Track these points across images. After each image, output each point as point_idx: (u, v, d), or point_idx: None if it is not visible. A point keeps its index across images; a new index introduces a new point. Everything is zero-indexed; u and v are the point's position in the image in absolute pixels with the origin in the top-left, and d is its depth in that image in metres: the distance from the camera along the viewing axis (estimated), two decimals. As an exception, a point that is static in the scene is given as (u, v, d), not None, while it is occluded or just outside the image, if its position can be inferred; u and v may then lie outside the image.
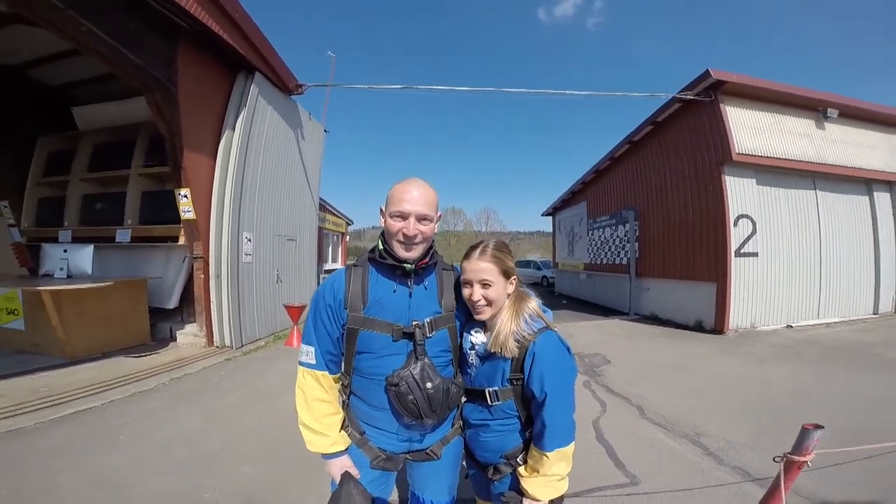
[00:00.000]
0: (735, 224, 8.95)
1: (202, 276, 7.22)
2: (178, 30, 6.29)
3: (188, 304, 7.71)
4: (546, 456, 1.39)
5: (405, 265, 1.49)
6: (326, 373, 1.54)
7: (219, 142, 7.45)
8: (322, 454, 1.52)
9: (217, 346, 7.28)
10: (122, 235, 7.85)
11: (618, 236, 13.54)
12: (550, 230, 22.22)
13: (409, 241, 1.47)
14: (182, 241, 7.43)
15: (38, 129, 8.95)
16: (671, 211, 10.78)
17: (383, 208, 1.54)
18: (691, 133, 9.95)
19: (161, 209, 7.72)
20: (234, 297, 7.40)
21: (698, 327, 9.47)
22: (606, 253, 14.38)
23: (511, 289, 1.54)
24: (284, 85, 8.74)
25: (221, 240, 7.30)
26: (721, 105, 8.99)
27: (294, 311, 7.85)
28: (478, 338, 1.58)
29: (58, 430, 3.93)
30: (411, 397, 1.42)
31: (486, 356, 1.53)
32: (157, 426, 4.10)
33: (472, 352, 1.59)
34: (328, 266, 16.85)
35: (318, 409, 1.52)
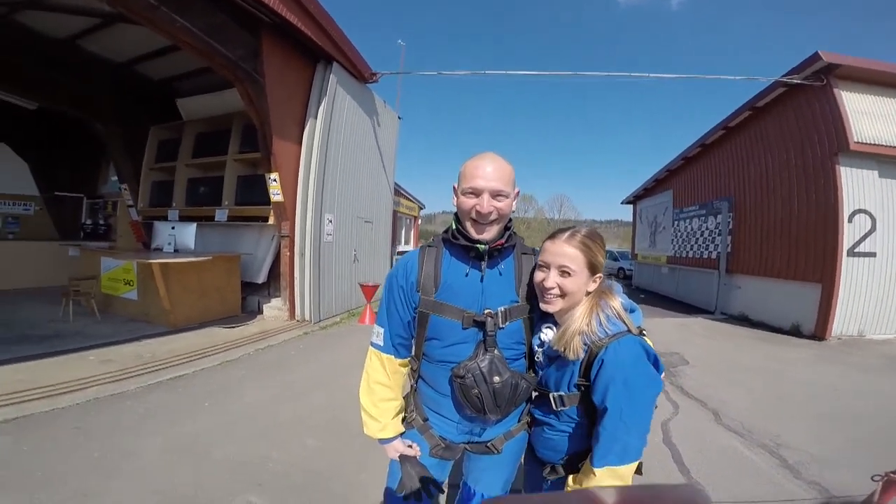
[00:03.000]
0: (850, 220, 7.93)
1: (288, 253, 7.77)
2: (260, 23, 6.67)
3: (275, 280, 8.34)
4: (593, 471, 1.23)
5: (478, 246, 1.38)
6: (392, 356, 1.51)
7: (303, 129, 7.91)
8: (377, 439, 1.52)
9: (297, 321, 7.83)
10: (220, 215, 8.62)
11: (707, 228, 12.54)
12: (629, 219, 21.13)
13: (482, 220, 1.35)
14: (271, 220, 8.01)
15: (150, 119, 9.91)
16: (772, 203, 9.76)
17: (456, 186, 1.43)
18: (798, 120, 8.92)
19: (253, 192, 8.33)
20: (315, 274, 7.90)
21: (795, 331, 8.56)
22: (693, 246, 13.38)
23: (593, 287, 1.37)
24: (360, 74, 9.01)
25: (306, 220, 7.81)
26: (835, 90, 7.97)
27: (368, 290, 8.23)
28: (548, 335, 1.43)
29: (153, 395, 4.29)
30: (476, 391, 1.33)
31: (554, 356, 1.39)
32: (237, 395, 4.44)
33: (540, 350, 1.46)
34: (401, 248, 17.35)
35: (377, 392, 1.50)
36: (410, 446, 1.52)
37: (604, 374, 1.25)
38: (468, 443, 1.53)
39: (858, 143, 7.78)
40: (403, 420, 1.57)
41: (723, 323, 9.99)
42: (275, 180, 7.37)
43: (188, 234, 7.70)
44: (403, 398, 1.60)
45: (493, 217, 1.36)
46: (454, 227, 1.45)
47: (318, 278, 8.02)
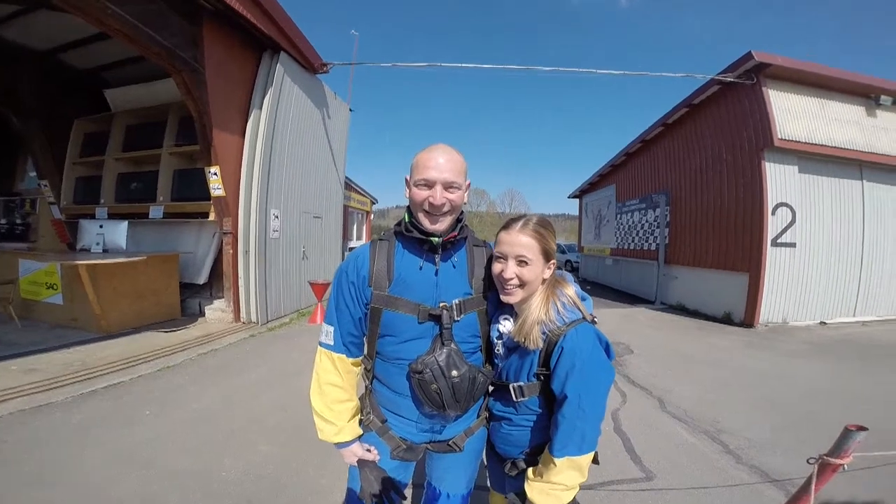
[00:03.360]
0: (773, 213, 8.56)
1: (231, 251, 7.39)
2: (201, 9, 6.29)
3: (217, 280, 7.94)
4: (553, 462, 1.24)
5: (432, 238, 1.37)
6: (344, 356, 1.45)
7: (247, 120, 7.53)
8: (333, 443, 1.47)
9: (243, 322, 7.48)
10: (155, 212, 8.08)
11: (647, 221, 13.18)
12: (575, 213, 21.82)
13: (435, 211, 1.34)
14: (212, 217, 7.61)
15: (74, 111, 9.18)
16: (705, 196, 10.37)
17: (408, 178, 1.41)
18: (730, 117, 9.49)
19: (192, 186, 7.89)
20: (260, 273, 7.58)
21: (727, 319, 9.18)
22: (634, 238, 14.03)
23: (548, 273, 1.38)
24: (310, 64, 8.72)
25: (250, 216, 7.45)
26: (764, 88, 8.51)
27: (318, 288, 7.99)
28: (506, 326, 1.43)
29: (87, 405, 4.05)
30: (434, 386, 1.32)
31: (513, 347, 1.39)
32: (181, 401, 4.22)
33: (500, 341, 1.45)
34: (353, 244, 17.01)
35: (330, 393, 1.44)
36: (369, 450, 1.48)
37: (563, 361, 1.26)
38: (429, 442, 1.50)
39: (782, 139, 8.37)
40: (360, 422, 1.51)
41: (663, 312, 10.55)
42: (215, 174, 6.97)
43: (119, 232, 7.13)
44: (359, 399, 1.55)
45: (445, 209, 1.35)
46: (407, 219, 1.43)
47: (264, 277, 7.70)
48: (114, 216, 8.22)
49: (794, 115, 8.61)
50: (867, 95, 9.02)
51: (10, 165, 10.94)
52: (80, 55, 8.67)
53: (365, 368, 1.52)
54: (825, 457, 1.63)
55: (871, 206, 9.28)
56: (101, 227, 7.18)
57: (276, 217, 8.05)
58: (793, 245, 8.67)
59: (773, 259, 8.57)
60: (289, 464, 3.14)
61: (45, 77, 8.79)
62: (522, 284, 1.34)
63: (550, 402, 1.35)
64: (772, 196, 8.56)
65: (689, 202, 11.06)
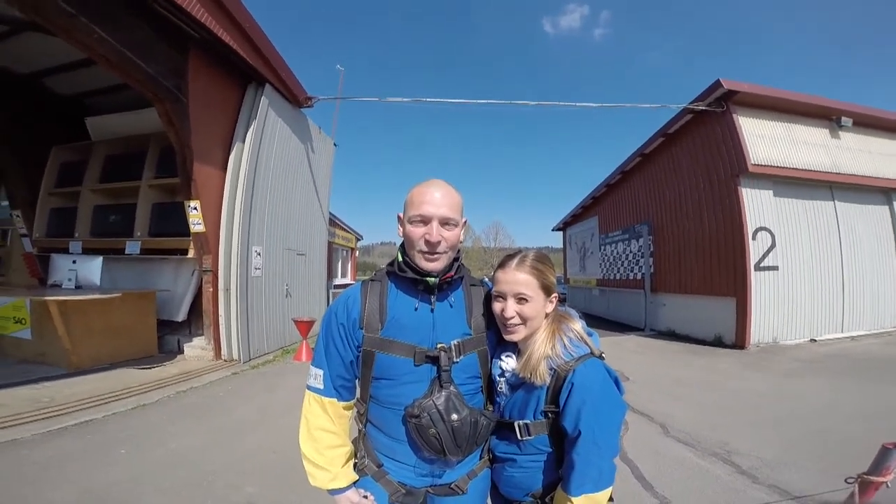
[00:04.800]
0: (753, 237, 8.73)
1: (211, 289, 7.14)
2: (188, 39, 6.33)
3: (197, 317, 7.65)
4: (571, 501, 1.18)
5: (428, 279, 1.30)
6: (335, 400, 1.37)
7: (229, 154, 7.45)
8: (327, 490, 1.37)
9: (224, 360, 7.16)
10: (132, 247, 7.82)
11: (631, 251, 13.33)
12: (560, 245, 22.06)
13: (432, 249, 1.28)
14: (191, 253, 7.38)
15: (52, 138, 8.97)
16: (686, 224, 10.58)
17: (401, 215, 1.37)
18: (704, 145, 9.82)
19: (171, 221, 7.69)
20: (242, 310, 7.30)
21: (718, 342, 9.18)
22: (620, 268, 14.14)
23: (550, 308, 1.35)
24: (294, 97, 8.77)
25: (231, 253, 7.24)
26: (734, 115, 8.88)
27: (303, 326, 7.74)
28: (509, 363, 1.38)
29: (55, 443, 3.82)
30: (433, 430, 1.24)
31: (518, 384, 1.34)
32: (159, 441, 3.97)
33: (502, 379, 1.40)
34: (338, 281, 16.75)
35: (321, 439, 1.36)
36: (366, 496, 1.37)
37: (574, 397, 1.21)
38: (430, 486, 1.40)
39: (755, 164, 8.66)
40: (355, 466, 1.42)
41: (653, 339, 10.52)
42: (195, 209, 6.81)
43: (92, 269, 6.84)
44: (352, 442, 1.46)
45: (442, 247, 1.29)
46: (400, 258, 1.37)
47: (245, 315, 7.43)
48: (88, 251, 7.94)
49: (764, 139, 8.96)
50: (829, 118, 9.49)
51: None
52: (62, 80, 8.58)
53: (358, 412, 1.45)
54: (865, 475, 1.58)
55: (846, 225, 9.60)
56: (74, 262, 6.91)
57: (259, 254, 7.86)
58: (775, 268, 8.82)
59: (758, 282, 8.68)
60: None
61: (24, 101, 8.62)
62: (524, 321, 1.30)
63: (558, 441, 1.29)
64: (751, 221, 8.78)
65: (672, 230, 11.26)
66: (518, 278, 1.29)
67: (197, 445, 3.90)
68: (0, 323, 6.37)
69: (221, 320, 7.17)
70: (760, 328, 8.65)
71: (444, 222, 1.29)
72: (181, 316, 7.67)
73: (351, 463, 1.41)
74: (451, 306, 1.38)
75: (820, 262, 9.31)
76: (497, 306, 1.33)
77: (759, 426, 4.36)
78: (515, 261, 1.33)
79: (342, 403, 1.39)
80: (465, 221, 1.41)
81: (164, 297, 7.58)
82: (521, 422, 1.30)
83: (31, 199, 8.90)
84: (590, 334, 1.37)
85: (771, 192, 9.00)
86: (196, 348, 7.39)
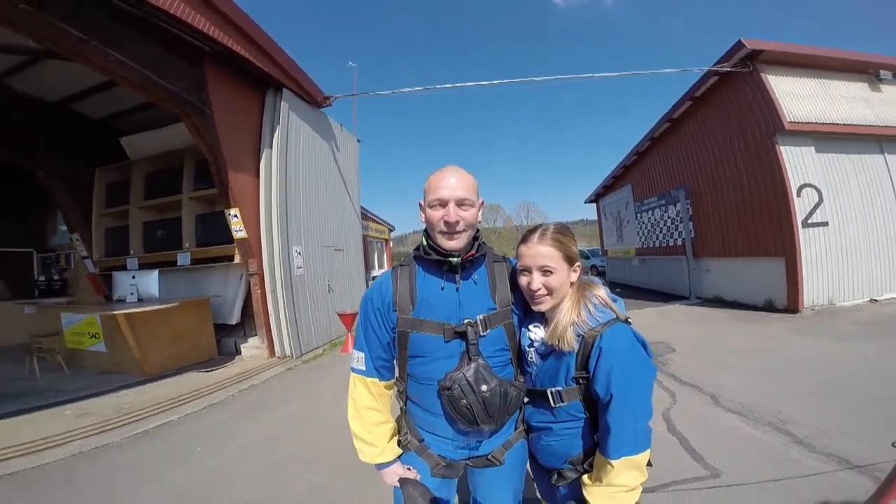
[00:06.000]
0: (798, 194, 8.34)
1: (259, 291, 7.49)
2: (201, 53, 6.50)
3: (249, 319, 8.03)
4: (611, 464, 1.23)
5: (451, 258, 1.40)
6: (377, 379, 1.49)
7: (259, 160, 7.71)
8: (374, 465, 1.49)
9: (279, 357, 7.53)
10: (183, 259, 8.26)
11: (669, 217, 12.94)
12: (593, 218, 21.59)
13: (451, 229, 1.37)
14: (237, 259, 7.76)
15: (93, 161, 9.45)
16: (725, 186, 10.19)
17: (422, 202, 1.45)
18: (734, 106, 9.42)
19: (214, 230, 8.07)
20: (290, 308, 7.62)
21: (769, 307, 8.87)
22: (658, 235, 13.76)
23: (574, 277, 1.39)
24: (313, 98, 8.89)
25: (273, 255, 7.54)
26: (762, 75, 8.49)
27: (347, 319, 8.00)
28: (537, 333, 1.44)
29: (141, 445, 4.17)
30: (465, 402, 1.32)
31: (547, 352, 1.39)
32: (228, 437, 4.28)
33: (532, 349, 1.46)
34: (375, 273, 17.08)
35: (367, 417, 1.48)
36: (409, 469, 1.49)
37: (604, 361, 1.25)
38: (468, 458, 1.50)
39: (792, 122, 8.25)
40: (399, 443, 1.53)
41: (699, 307, 10.24)
42: (235, 216, 7.11)
43: (151, 282, 7.32)
44: (395, 420, 1.57)
45: (460, 226, 1.38)
46: (424, 242, 1.47)
47: (293, 312, 7.75)
48: (144, 265, 8.47)
49: (798, 97, 8.54)
50: (866, 72, 8.94)
51: (41, 221, 11.38)
52: (90, 104, 8.96)
53: (398, 391, 1.56)
54: None
55: (900, 178, 8.96)
56: (133, 277, 7.39)
57: (299, 254, 8.14)
58: (825, 224, 8.41)
59: (807, 240, 8.31)
60: (337, 492, 3.11)
61: (60, 128, 9.03)
62: (550, 292, 1.36)
63: (591, 407, 1.34)
64: (793, 178, 8.39)
65: (710, 193, 10.88)
66: (541, 251, 1.34)
67: (261, 439, 4.18)
68: (77, 339, 6.93)
69: (272, 319, 7.53)
70: (814, 289, 8.29)
71: (461, 203, 1.38)
72: (235, 319, 8.07)
73: (395, 439, 1.53)
74: (475, 283, 1.46)
75: (875, 217, 8.81)
76: (523, 280, 1.39)
77: (816, 394, 4.24)
78: (537, 234, 1.38)
79: (383, 383, 1.51)
80: (482, 202, 1.50)
81: (217, 303, 7.99)
82: (553, 389, 1.36)
83: (86, 221, 9.48)
84: (615, 300, 1.42)
85: (812, 148, 8.55)
86: (252, 348, 7.80)
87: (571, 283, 1.39)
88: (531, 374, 1.47)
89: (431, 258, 1.43)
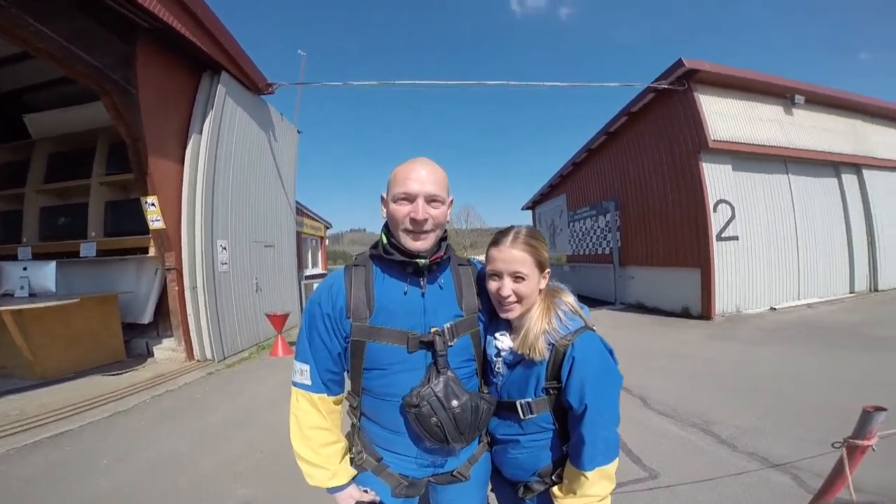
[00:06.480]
0: (714, 209, 9.04)
1: (176, 287, 6.84)
2: (136, 28, 5.92)
3: (164, 318, 7.33)
4: (585, 476, 1.19)
5: (418, 260, 1.25)
6: (325, 395, 1.31)
7: (186, 146, 7.09)
8: (326, 489, 1.32)
9: (198, 360, 6.92)
10: (88, 249, 7.41)
11: (599, 227, 13.61)
12: (529, 224, 22.24)
13: (417, 228, 1.23)
14: (152, 252, 7.07)
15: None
16: (651, 199, 10.85)
17: (384, 195, 1.30)
18: (667, 122, 10.03)
19: (128, 219, 7.37)
20: (211, 308, 7.05)
21: (685, 313, 9.55)
22: (589, 244, 14.43)
23: (543, 284, 1.33)
24: (254, 84, 8.41)
25: (195, 249, 6.95)
26: (695, 94, 9.08)
27: (276, 320, 7.56)
28: (504, 342, 1.35)
29: (34, 457, 3.66)
30: (435, 419, 1.19)
31: (515, 362, 1.32)
32: (141, 448, 3.82)
33: (499, 359, 1.36)
34: (309, 272, 16.38)
35: (315, 437, 1.30)
36: (366, 491, 1.33)
37: (577, 371, 1.20)
38: (432, 475, 1.36)
39: (715, 140, 8.92)
40: (351, 462, 1.37)
41: (624, 312, 10.84)
42: (153, 205, 6.47)
43: (46, 275, 6.39)
44: (345, 437, 1.41)
45: (428, 226, 1.24)
46: (385, 240, 1.31)
47: (216, 312, 7.17)
48: (39, 256, 7.50)
49: (723, 116, 9.23)
50: (784, 96, 9.84)
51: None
52: None
53: (350, 406, 1.39)
54: (851, 440, 1.64)
55: (799, 198, 10.06)
56: (24, 269, 6.44)
57: (225, 248, 7.57)
58: (735, 238, 9.18)
59: (721, 252, 9.03)
60: None
61: None
62: (520, 300, 1.28)
63: (560, 417, 1.29)
64: (712, 194, 9.07)
65: (637, 205, 11.54)
66: (514, 255, 1.26)
67: (182, 450, 3.77)
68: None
69: (190, 319, 6.90)
70: (724, 298, 9.03)
71: (431, 199, 1.24)
72: (147, 318, 7.34)
73: (347, 458, 1.36)
74: (440, 288, 1.33)
75: (777, 233, 9.76)
76: (493, 285, 1.30)
77: (732, 396, 4.55)
78: (510, 237, 1.29)
79: (332, 398, 1.33)
80: (452, 200, 1.36)
81: (126, 299, 7.22)
82: (522, 401, 1.28)
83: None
84: (581, 307, 1.37)
85: (730, 166, 9.31)
86: (166, 350, 7.10)
87: (540, 290, 1.33)
88: (496, 385, 1.38)
89: (394, 258, 1.27)
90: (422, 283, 1.29)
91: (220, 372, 6.51)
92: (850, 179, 10.68)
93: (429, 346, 1.24)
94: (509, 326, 1.37)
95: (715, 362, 5.88)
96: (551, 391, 1.25)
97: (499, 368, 1.36)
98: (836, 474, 1.67)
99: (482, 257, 1.46)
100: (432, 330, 1.25)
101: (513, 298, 1.27)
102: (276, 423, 4.22)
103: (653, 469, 3.09)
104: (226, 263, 7.58)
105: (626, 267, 12.22)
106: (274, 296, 9.47)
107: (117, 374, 6.17)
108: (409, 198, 1.22)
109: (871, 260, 10.79)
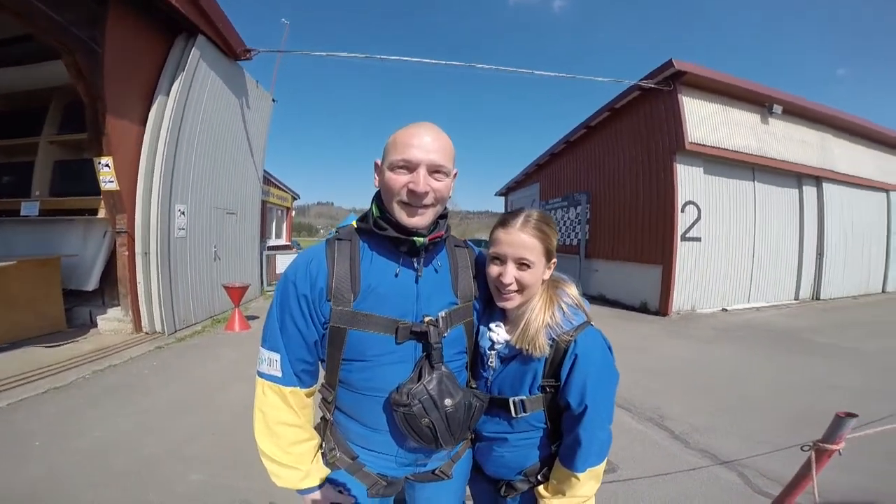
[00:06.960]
0: (682, 210, 9.25)
1: (126, 252, 6.45)
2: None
3: (111, 286, 6.92)
4: (576, 476, 1.13)
5: (416, 238, 1.10)
6: (297, 388, 1.15)
7: (150, 107, 6.67)
8: (296, 490, 1.18)
9: (146, 333, 6.58)
10: (29, 208, 6.93)
11: (569, 218, 13.76)
12: (499, 210, 22.41)
13: (416, 201, 1.07)
14: (102, 213, 6.66)
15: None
16: (622, 195, 11.00)
17: (379, 161, 1.15)
18: (647, 121, 10.11)
19: (78, 180, 6.97)
20: (164, 276, 6.70)
21: (643, 308, 9.81)
22: (558, 234, 14.57)
23: (547, 275, 1.24)
24: (231, 49, 8.00)
25: (150, 212, 6.56)
26: (679, 95, 9.16)
27: (234, 292, 7.27)
28: (500, 334, 1.25)
29: None
30: (426, 420, 1.06)
31: (511, 356, 1.22)
32: (81, 429, 3.54)
33: (493, 352, 1.25)
34: (272, 242, 15.90)
35: (284, 434, 1.14)
36: (341, 492, 1.21)
37: (579, 370, 1.14)
38: (412, 474, 1.25)
39: (692, 143, 9.07)
40: (323, 458, 1.23)
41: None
42: (107, 165, 6.06)
43: (-20, 233, 5.95)
44: (315, 429, 1.26)
45: (429, 199, 1.09)
46: (376, 213, 1.14)
47: (168, 281, 6.81)
48: (-26, 213, 6.92)
49: (702, 119, 9.36)
50: (763, 104, 10.06)
51: None
52: None
53: (324, 399, 1.22)
54: (820, 443, 1.66)
55: (761, 205, 10.41)
56: (-44, 225, 5.94)
57: (182, 213, 7.18)
58: (698, 239, 9.45)
59: (683, 252, 9.28)
60: (228, 495, 2.67)
61: None
62: (521, 289, 1.18)
63: (554, 416, 1.22)
64: (681, 195, 9.26)
65: (608, 200, 11.70)
66: (523, 240, 1.15)
67: (127, 430, 3.53)
68: None
69: (140, 288, 6.54)
70: (682, 296, 9.32)
71: (434, 170, 1.08)
72: (92, 284, 6.91)
73: (319, 456, 1.23)
74: (436, 271, 1.19)
75: (736, 237, 10.09)
76: (494, 270, 1.19)
77: (685, 392, 4.69)
78: (520, 220, 1.18)
79: (304, 390, 1.18)
80: (457, 173, 1.20)
81: (70, 264, 6.77)
82: (516, 398, 1.20)
83: None
84: (583, 300, 1.29)
85: (702, 169, 9.51)
86: (112, 321, 6.67)
87: (543, 281, 1.23)
88: (486, 380, 1.27)
89: (387, 234, 1.10)
90: (416, 264, 1.14)
91: (170, 346, 6.20)
92: (810, 191, 11.11)
93: (420, 336, 1.11)
94: (504, 317, 1.28)
95: (670, 358, 6.05)
96: (548, 389, 1.19)
97: (491, 362, 1.26)
98: (802, 476, 1.70)
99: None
100: (425, 319, 1.12)
101: (514, 287, 1.17)
102: (229, 404, 4.04)
103: (612, 462, 3.12)
104: (183, 229, 7.20)
105: (591, 259, 12.44)
106: (233, 266, 9.13)
107: (56, 345, 5.76)
108: (410, 166, 1.07)
109: (818, 270, 11.35)
